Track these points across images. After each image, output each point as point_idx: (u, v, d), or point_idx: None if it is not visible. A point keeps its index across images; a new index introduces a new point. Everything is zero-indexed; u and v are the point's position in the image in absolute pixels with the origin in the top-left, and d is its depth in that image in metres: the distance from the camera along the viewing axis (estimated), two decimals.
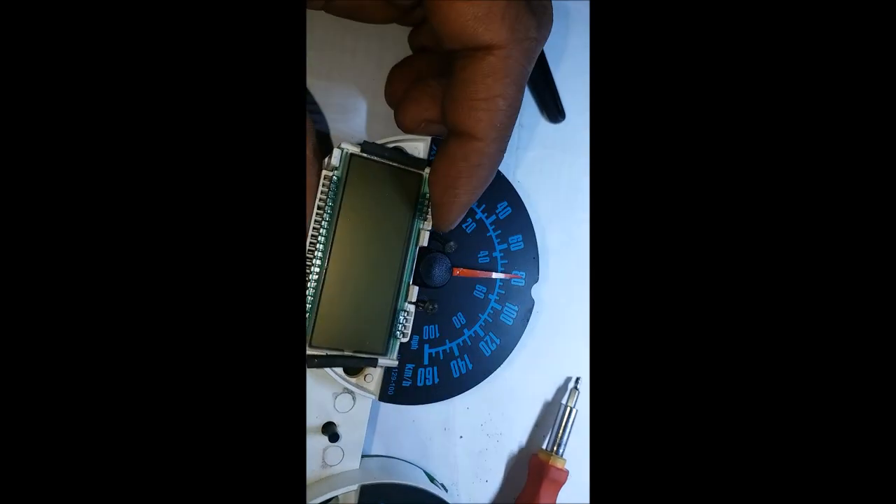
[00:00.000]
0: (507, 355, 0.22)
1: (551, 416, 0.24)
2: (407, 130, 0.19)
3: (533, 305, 0.22)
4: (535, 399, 0.24)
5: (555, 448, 0.22)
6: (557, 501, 0.22)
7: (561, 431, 0.22)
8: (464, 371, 0.21)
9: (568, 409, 0.22)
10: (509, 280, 0.22)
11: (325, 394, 0.20)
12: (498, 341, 0.22)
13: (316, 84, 0.22)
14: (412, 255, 0.19)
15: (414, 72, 0.20)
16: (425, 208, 0.19)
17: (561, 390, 0.24)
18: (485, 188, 0.18)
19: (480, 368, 0.21)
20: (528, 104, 0.23)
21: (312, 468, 0.20)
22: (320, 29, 0.21)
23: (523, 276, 0.22)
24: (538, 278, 0.22)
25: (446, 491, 0.23)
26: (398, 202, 0.19)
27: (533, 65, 0.16)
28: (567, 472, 0.22)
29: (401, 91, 0.19)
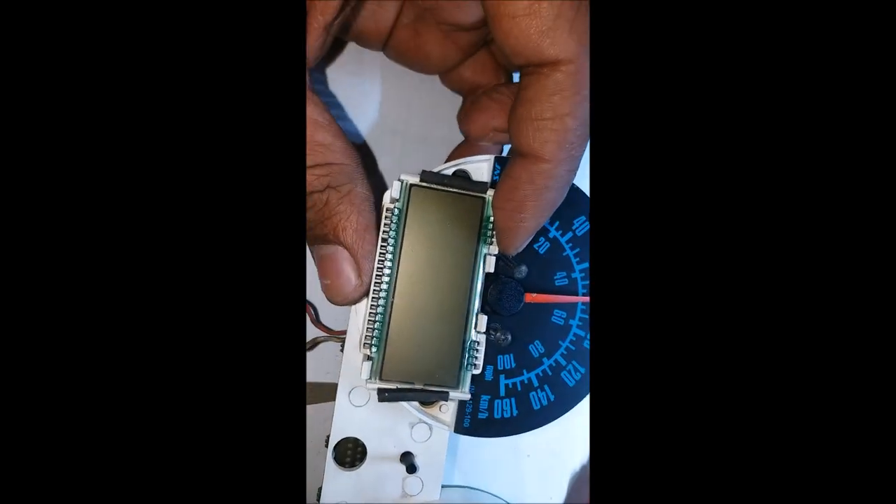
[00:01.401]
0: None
1: None
2: (474, 139, 0.18)
3: None
4: None
5: None
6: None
7: None
8: (545, 403, 0.20)
9: None
10: None
11: (401, 423, 0.20)
12: (583, 370, 0.20)
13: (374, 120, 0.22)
14: (479, 282, 0.18)
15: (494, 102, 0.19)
16: (490, 233, 0.18)
17: None
18: (553, 211, 0.17)
19: (564, 400, 0.20)
20: None
21: (392, 497, 0.20)
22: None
23: None
24: None
25: None
26: (461, 229, 0.18)
27: None
28: None
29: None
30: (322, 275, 0.17)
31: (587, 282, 0.20)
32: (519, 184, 0.16)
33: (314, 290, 0.22)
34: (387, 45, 0.19)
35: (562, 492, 0.24)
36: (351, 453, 0.20)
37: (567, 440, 0.23)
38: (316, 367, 0.22)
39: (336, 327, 0.22)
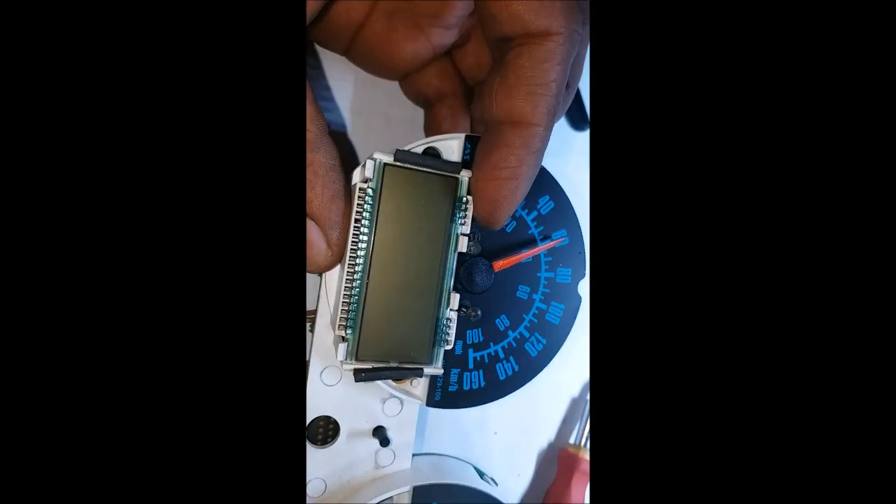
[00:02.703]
0: (555, 354, 0.21)
1: (577, 412, 0.25)
2: None
3: (580, 302, 0.21)
4: (562, 395, 0.25)
5: (583, 442, 0.23)
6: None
7: (588, 426, 0.23)
8: (510, 373, 0.21)
9: None
10: (555, 279, 0.21)
11: (373, 399, 0.20)
12: (544, 341, 0.21)
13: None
14: (451, 261, 0.19)
15: None
16: (462, 213, 0.18)
17: (586, 387, 0.25)
18: (534, 178, 0.17)
19: (527, 369, 0.21)
20: None
21: (366, 470, 0.20)
22: None
23: (566, 241, 0.21)
24: (585, 274, 0.21)
25: (496, 485, 0.24)
26: (435, 209, 0.18)
27: (573, 58, 0.16)
28: None
29: None
30: None
31: (549, 258, 0.21)
32: (513, 149, 0.16)
33: None
34: (354, 41, 0.19)
35: (530, 468, 0.25)
36: (323, 431, 0.20)
37: (535, 418, 0.24)
38: None
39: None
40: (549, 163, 0.22)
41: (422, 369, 0.18)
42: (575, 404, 0.25)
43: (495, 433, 0.24)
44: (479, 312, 0.20)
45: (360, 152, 0.23)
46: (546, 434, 0.25)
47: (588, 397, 0.24)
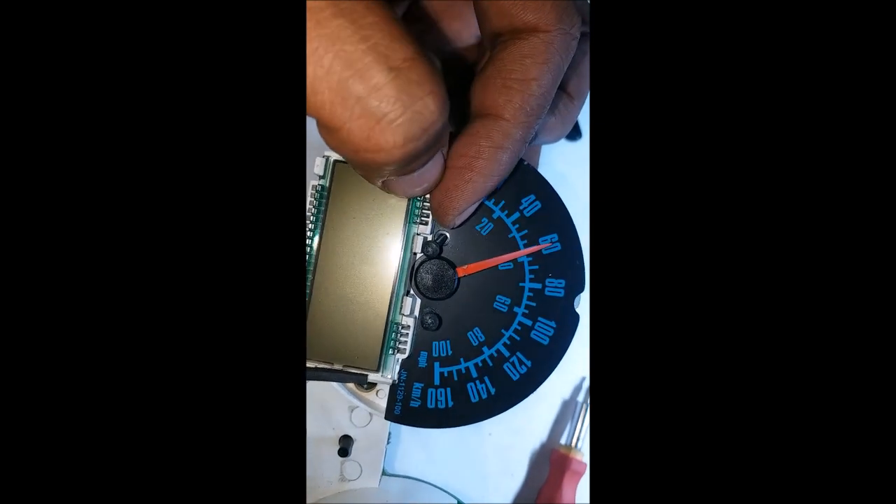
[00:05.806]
0: (543, 380, 0.18)
1: (568, 413, 0.24)
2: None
3: (578, 321, 0.18)
4: (554, 397, 0.24)
5: (574, 442, 0.23)
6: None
7: (579, 427, 0.23)
8: (484, 395, 0.18)
9: (585, 405, 0.23)
10: (542, 291, 0.18)
11: (340, 407, 0.19)
12: (529, 363, 0.18)
13: None
14: (406, 263, 0.17)
15: None
16: (418, 212, 0.17)
17: (577, 388, 0.24)
18: (500, 179, 0.16)
19: (506, 394, 0.18)
20: None
21: (329, 480, 0.20)
22: None
23: (556, 248, 0.18)
24: (584, 287, 0.18)
25: None
26: (390, 207, 0.17)
27: (568, 63, 0.15)
28: (586, 465, 0.23)
29: None
30: (424, 181, 0.15)
31: (535, 266, 0.18)
32: (475, 139, 0.15)
33: None
34: None
35: (523, 469, 0.24)
36: None
37: (527, 419, 0.24)
38: None
39: None
40: (540, 159, 0.20)
41: (366, 375, 0.17)
42: (566, 406, 0.24)
43: (489, 434, 0.24)
44: (437, 320, 0.18)
45: None
46: (538, 435, 0.24)
47: (579, 399, 0.24)
